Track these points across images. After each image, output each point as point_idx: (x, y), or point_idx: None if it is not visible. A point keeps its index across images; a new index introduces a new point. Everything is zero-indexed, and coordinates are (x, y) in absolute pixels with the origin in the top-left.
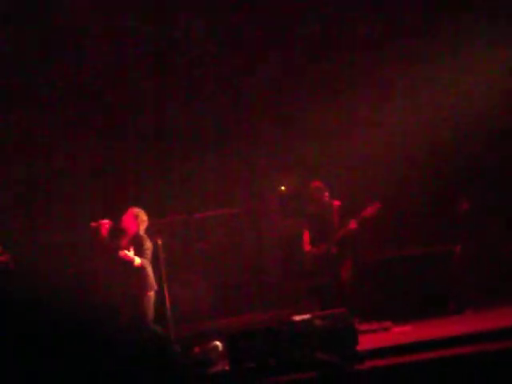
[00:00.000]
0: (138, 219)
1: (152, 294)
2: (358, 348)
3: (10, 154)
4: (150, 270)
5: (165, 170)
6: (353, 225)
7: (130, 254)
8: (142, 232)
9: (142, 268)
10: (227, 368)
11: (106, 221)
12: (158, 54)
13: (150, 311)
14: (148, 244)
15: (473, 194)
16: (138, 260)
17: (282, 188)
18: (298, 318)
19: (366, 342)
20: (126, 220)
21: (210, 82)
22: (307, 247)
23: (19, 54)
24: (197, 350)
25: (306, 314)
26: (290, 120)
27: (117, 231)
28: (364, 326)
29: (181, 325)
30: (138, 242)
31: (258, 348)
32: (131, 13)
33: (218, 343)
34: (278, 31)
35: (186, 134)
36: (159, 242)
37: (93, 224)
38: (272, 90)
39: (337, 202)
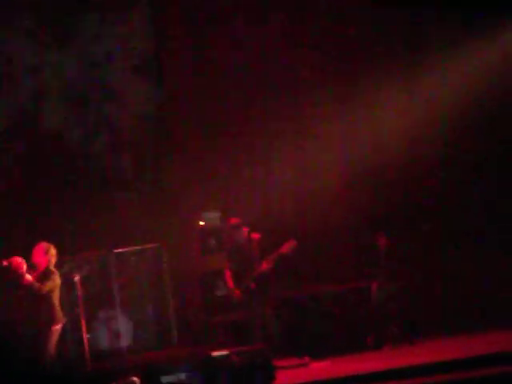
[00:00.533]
0: (49, 254)
1: (59, 327)
2: None
3: None
4: (57, 303)
5: (84, 204)
6: (264, 265)
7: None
8: (51, 266)
9: (48, 299)
10: None
11: (17, 258)
12: None
13: (52, 346)
14: (57, 279)
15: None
16: (44, 288)
17: (201, 223)
18: (215, 353)
19: (283, 378)
20: (36, 255)
21: None
22: (231, 284)
23: None
24: None
25: (223, 349)
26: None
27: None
28: (282, 362)
29: (100, 361)
30: (47, 276)
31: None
32: None
33: (135, 379)
34: None
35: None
36: (76, 278)
37: (4, 263)
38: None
39: (255, 235)
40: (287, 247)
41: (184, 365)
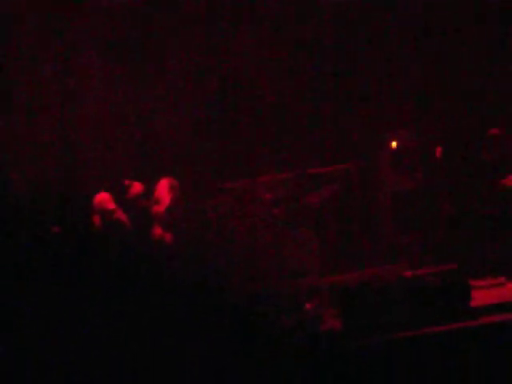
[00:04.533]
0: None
1: None
2: (472, 304)
3: None
4: None
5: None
6: None
7: None
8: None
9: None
10: (339, 325)
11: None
12: None
13: None
14: None
15: None
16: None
17: (394, 144)
18: (410, 274)
19: (480, 298)
20: (160, 190)
21: None
22: None
23: None
24: (308, 306)
25: (418, 269)
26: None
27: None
28: (478, 282)
29: (291, 281)
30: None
31: (370, 305)
32: None
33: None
34: None
35: None
36: (268, 196)
37: (126, 182)
38: None
39: None
40: None
41: (379, 286)
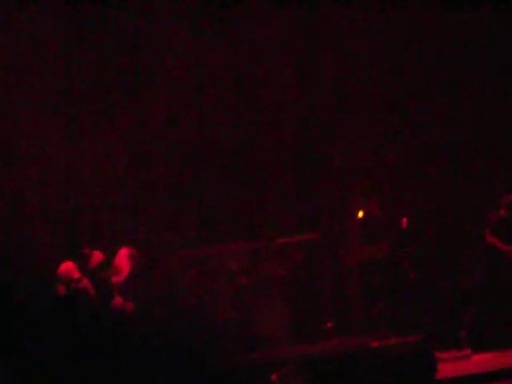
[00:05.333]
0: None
1: None
2: (438, 376)
3: None
4: None
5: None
6: None
7: None
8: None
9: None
10: None
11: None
12: None
13: None
14: None
15: None
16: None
17: (360, 213)
18: (377, 344)
19: (445, 370)
20: (120, 260)
21: None
22: None
23: None
24: (274, 377)
25: (384, 340)
26: None
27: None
28: (443, 354)
29: (259, 351)
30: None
31: (337, 376)
32: None
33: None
34: None
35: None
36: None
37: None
38: None
39: None
40: None
41: (346, 356)
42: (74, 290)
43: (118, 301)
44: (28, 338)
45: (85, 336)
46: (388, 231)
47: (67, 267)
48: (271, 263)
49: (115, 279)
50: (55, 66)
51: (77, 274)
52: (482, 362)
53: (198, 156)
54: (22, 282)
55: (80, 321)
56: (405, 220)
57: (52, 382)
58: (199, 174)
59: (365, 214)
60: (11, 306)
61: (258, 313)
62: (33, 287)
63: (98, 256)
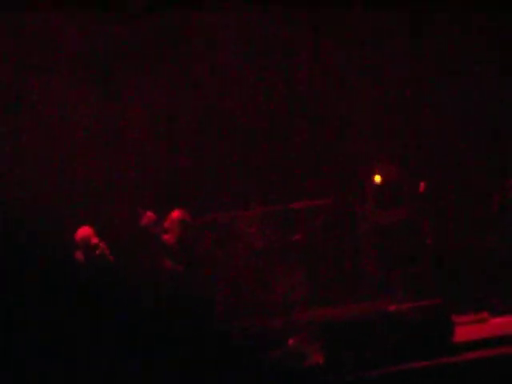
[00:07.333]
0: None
1: None
2: (454, 340)
3: None
4: None
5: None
6: None
7: None
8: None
9: None
10: (322, 361)
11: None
12: None
13: None
14: None
15: None
16: None
17: (377, 178)
18: (393, 308)
19: (462, 334)
20: (171, 221)
21: None
22: None
23: None
24: (291, 342)
25: (401, 304)
26: None
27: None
28: (461, 318)
29: (275, 316)
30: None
31: (353, 340)
32: None
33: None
34: None
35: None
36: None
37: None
38: None
39: None
40: None
41: (362, 320)
42: (93, 256)
43: (167, 264)
44: (47, 304)
45: (103, 304)
46: (406, 195)
47: (84, 232)
48: (289, 228)
49: (166, 237)
50: None
51: (94, 240)
52: (499, 325)
53: (218, 121)
54: (40, 246)
55: (98, 287)
56: (423, 184)
57: (73, 350)
58: (218, 139)
59: (382, 179)
60: (28, 272)
61: (275, 278)
62: (50, 252)
63: (150, 215)
